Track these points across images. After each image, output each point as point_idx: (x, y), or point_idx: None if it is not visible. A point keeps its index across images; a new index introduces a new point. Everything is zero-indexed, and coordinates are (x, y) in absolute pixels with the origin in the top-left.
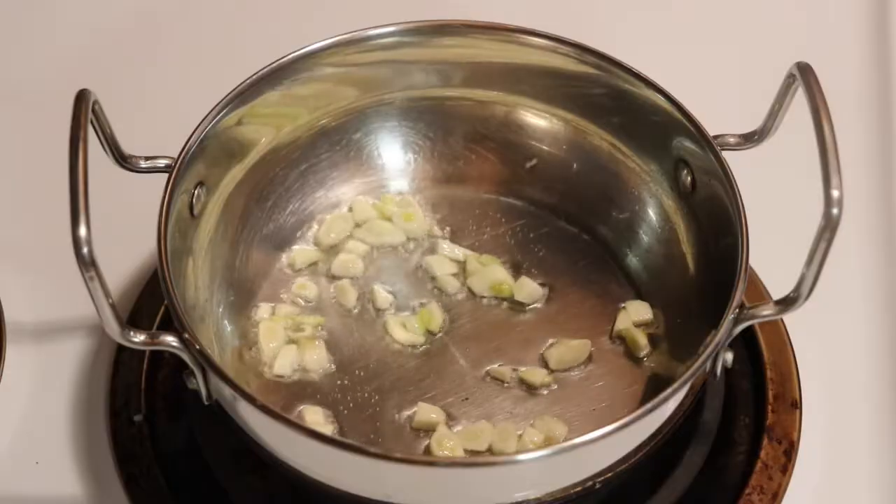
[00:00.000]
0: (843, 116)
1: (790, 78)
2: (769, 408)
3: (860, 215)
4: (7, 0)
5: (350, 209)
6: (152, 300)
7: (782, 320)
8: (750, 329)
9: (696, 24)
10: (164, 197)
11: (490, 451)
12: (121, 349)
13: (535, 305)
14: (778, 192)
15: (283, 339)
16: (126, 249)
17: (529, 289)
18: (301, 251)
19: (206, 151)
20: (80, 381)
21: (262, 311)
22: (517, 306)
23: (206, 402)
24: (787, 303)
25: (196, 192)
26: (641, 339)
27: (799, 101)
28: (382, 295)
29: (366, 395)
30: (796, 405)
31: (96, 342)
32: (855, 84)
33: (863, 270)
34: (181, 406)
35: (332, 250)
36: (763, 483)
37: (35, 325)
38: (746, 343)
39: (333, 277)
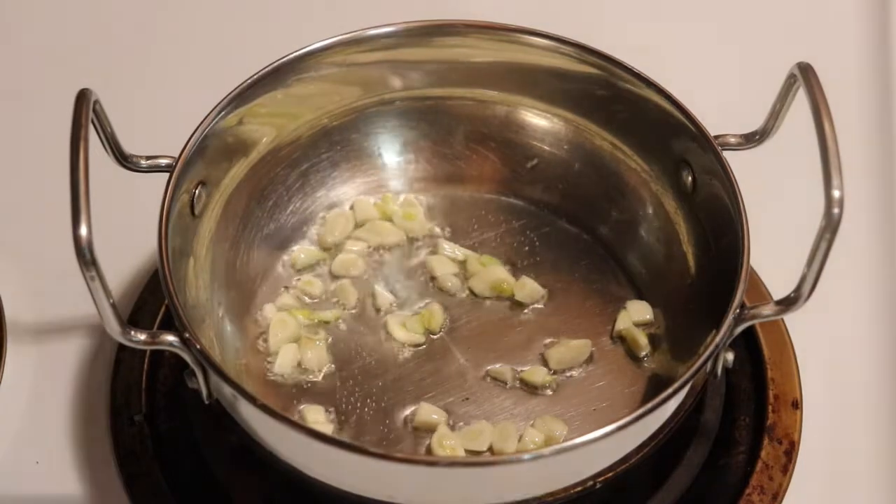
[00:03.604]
0: (844, 116)
1: (791, 78)
2: (770, 408)
3: (861, 215)
4: (7, 0)
5: (351, 208)
6: (153, 298)
7: (783, 320)
8: (751, 329)
9: (698, 24)
10: (164, 196)
11: (490, 450)
12: (121, 348)
13: (535, 305)
14: (779, 192)
15: (295, 333)
16: (127, 248)
17: (530, 288)
18: (302, 250)
19: (207, 151)
20: (81, 380)
21: (268, 310)
22: (517, 306)
23: (206, 402)
24: (788, 303)
25: (197, 191)
26: (642, 339)
27: (800, 102)
28: (383, 295)
29: (366, 394)
30: (797, 405)
31: (97, 341)
32: (856, 84)
33: (864, 271)
34: (181, 406)
35: (334, 250)
36: (763, 483)
37: (35, 324)
38: (747, 343)
39: (334, 277)
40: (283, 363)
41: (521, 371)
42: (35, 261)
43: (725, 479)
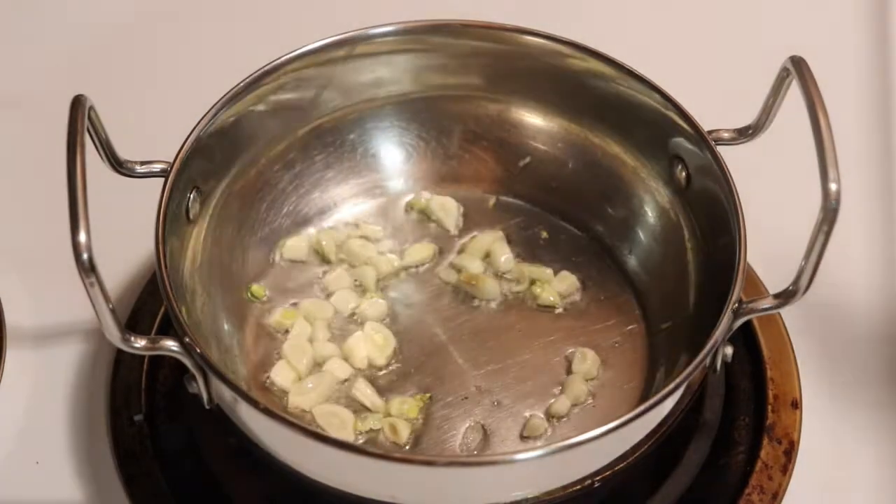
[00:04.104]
0: (839, 110)
1: (784, 72)
2: (769, 408)
3: (859, 211)
4: (0, 6)
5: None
6: (152, 300)
7: (782, 320)
8: (750, 328)
9: (689, 18)
10: (160, 202)
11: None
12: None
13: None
14: (774, 186)
15: (308, 366)
16: (125, 251)
17: (569, 282)
18: (295, 246)
19: (201, 155)
20: (81, 381)
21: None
22: (516, 306)
23: (207, 407)
24: (786, 296)
25: (192, 195)
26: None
27: (793, 96)
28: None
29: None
30: (796, 405)
31: (96, 342)
32: (850, 76)
33: (863, 269)
34: (181, 406)
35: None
36: (763, 483)
37: (36, 325)
38: (747, 342)
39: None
40: (281, 379)
41: (551, 407)
42: (35, 263)
43: (725, 479)
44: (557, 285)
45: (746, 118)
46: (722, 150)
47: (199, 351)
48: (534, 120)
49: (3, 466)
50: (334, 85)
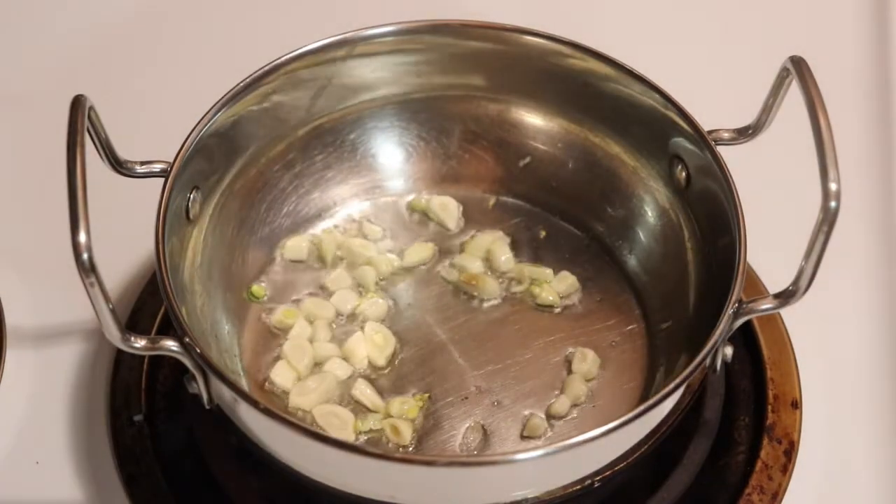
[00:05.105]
0: (839, 110)
1: (784, 72)
2: (769, 408)
3: (858, 211)
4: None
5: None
6: (153, 300)
7: (782, 320)
8: (750, 329)
9: (689, 18)
10: (160, 202)
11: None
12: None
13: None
14: (773, 186)
15: (308, 366)
16: (125, 251)
17: (569, 281)
18: (295, 246)
19: (201, 155)
20: (81, 381)
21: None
22: (516, 305)
23: (207, 407)
24: (786, 296)
25: (192, 195)
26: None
27: (792, 96)
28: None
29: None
30: (796, 405)
31: (97, 342)
32: (849, 77)
33: (863, 269)
34: (181, 406)
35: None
36: (763, 483)
37: (36, 325)
38: (747, 343)
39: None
40: (281, 379)
41: (551, 407)
42: (35, 263)
43: (725, 479)
44: (557, 285)
45: (746, 118)
46: (722, 150)
47: (199, 351)
48: (534, 120)
49: (3, 466)
50: (334, 85)
